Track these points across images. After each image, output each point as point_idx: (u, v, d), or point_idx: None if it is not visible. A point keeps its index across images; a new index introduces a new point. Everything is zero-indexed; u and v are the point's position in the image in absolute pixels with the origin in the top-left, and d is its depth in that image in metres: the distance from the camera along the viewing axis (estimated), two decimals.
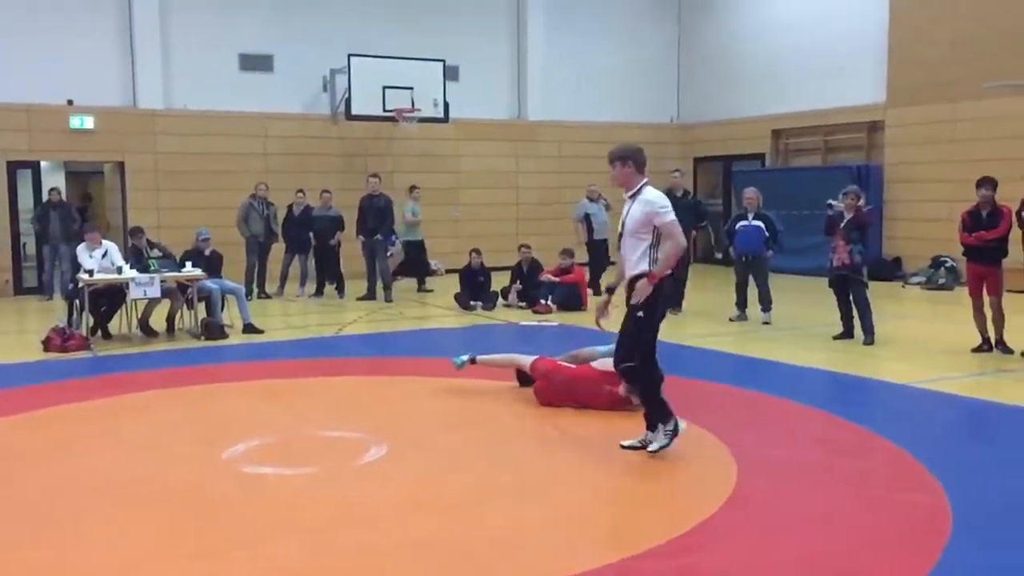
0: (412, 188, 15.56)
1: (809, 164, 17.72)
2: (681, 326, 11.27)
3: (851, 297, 9.66)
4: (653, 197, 5.58)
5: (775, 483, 5.16)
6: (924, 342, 9.75)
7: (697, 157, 19.80)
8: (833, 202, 9.76)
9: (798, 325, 10.96)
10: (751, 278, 11.18)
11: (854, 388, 7.83)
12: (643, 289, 5.50)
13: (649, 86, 20.27)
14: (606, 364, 6.65)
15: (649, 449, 5.63)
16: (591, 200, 14.27)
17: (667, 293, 5.72)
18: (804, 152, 18.15)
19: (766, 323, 10.95)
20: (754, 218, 11.08)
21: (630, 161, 5.73)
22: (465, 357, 7.46)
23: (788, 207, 14.60)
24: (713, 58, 19.81)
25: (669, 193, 12.07)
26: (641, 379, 5.70)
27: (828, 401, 7.25)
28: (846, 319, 9.80)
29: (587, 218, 14.24)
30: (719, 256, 12.99)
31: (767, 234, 10.96)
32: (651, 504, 4.89)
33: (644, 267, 5.52)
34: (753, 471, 5.31)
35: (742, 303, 11.32)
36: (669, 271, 5.57)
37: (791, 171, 17.81)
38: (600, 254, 14.13)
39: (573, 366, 7.09)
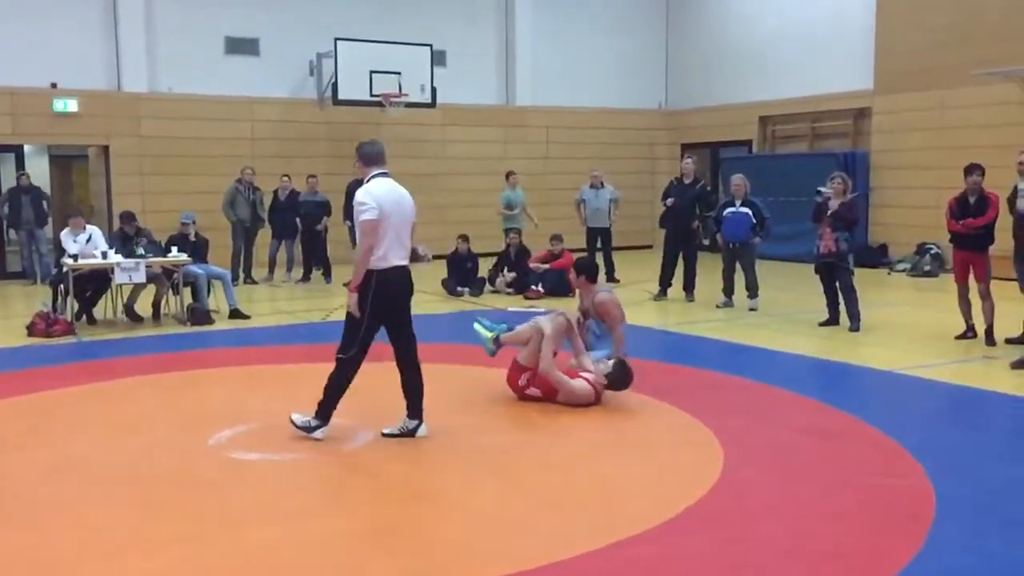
0: (509, 175, 15.06)
1: (796, 151, 17.75)
2: (668, 313, 11.31)
3: (837, 284, 9.69)
4: (359, 194, 5.56)
5: (761, 469, 5.19)
6: (909, 329, 9.80)
7: (684, 143, 19.79)
8: (822, 189, 9.78)
9: (784, 312, 11.00)
10: (738, 265, 11.21)
11: (839, 374, 7.87)
12: (350, 299, 5.58)
13: (637, 72, 20.24)
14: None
15: (296, 420, 5.73)
16: (591, 186, 14.20)
17: (388, 292, 5.59)
18: (791, 139, 18.18)
19: (752, 310, 10.98)
20: (741, 205, 11.10)
21: (357, 154, 5.78)
22: (490, 338, 7.04)
23: (775, 194, 14.62)
24: (701, 44, 19.79)
25: (678, 180, 12.15)
26: (341, 371, 5.69)
27: (814, 388, 7.29)
28: (832, 306, 9.84)
29: (582, 204, 14.20)
30: (706, 243, 13.01)
31: (754, 221, 10.98)
32: (638, 490, 4.91)
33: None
34: (739, 457, 5.33)
35: (729, 290, 11.35)
36: (388, 267, 5.52)
37: (778, 158, 17.83)
38: (593, 241, 14.10)
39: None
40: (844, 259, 9.55)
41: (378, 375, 7.38)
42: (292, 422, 5.76)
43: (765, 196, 11.97)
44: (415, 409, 5.85)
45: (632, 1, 20.19)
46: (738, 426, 6.00)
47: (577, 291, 7.84)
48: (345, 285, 13.34)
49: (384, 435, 5.78)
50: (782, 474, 5.10)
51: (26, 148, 15.63)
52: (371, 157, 5.69)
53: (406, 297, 5.76)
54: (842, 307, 9.74)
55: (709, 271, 12.30)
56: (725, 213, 11.24)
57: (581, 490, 4.91)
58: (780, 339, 9.17)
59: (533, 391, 6.66)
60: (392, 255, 5.55)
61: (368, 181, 5.63)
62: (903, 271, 14.99)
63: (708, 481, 4.91)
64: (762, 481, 4.99)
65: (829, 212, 9.55)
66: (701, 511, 4.53)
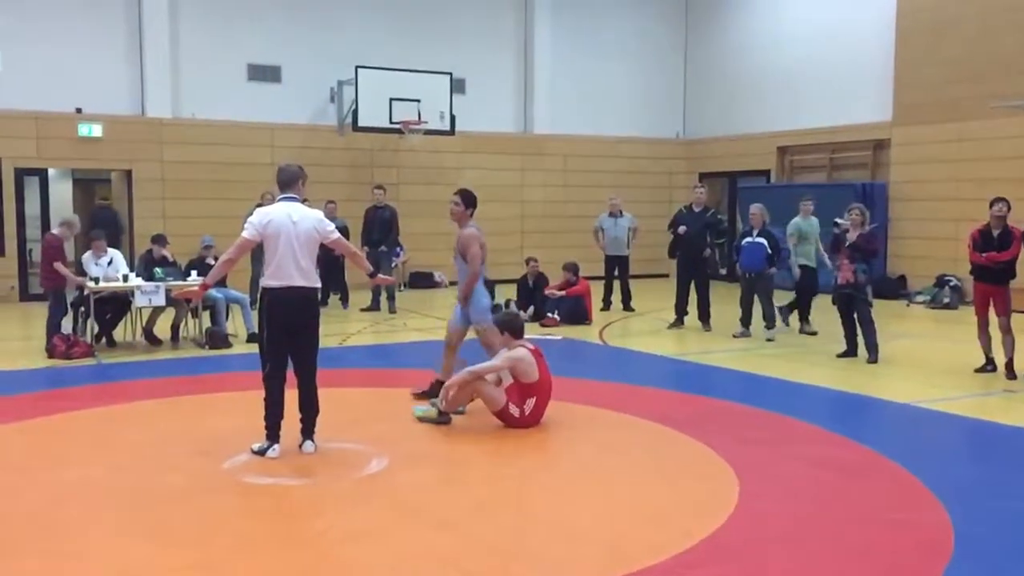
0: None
1: (814, 181, 17.72)
2: (684, 342, 11.28)
3: (855, 315, 9.65)
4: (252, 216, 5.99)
5: (777, 501, 5.15)
6: (928, 361, 9.73)
7: (702, 173, 19.82)
8: (840, 220, 9.76)
9: (802, 342, 10.95)
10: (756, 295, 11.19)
11: (857, 407, 7.81)
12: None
13: (655, 101, 20.34)
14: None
15: (253, 447, 5.95)
16: (609, 214, 14.23)
17: (279, 311, 5.84)
18: (809, 169, 18.17)
19: (770, 340, 10.94)
20: (758, 235, 11.09)
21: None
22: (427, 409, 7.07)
23: None
24: (720, 74, 19.88)
25: (688, 208, 12.17)
26: (264, 388, 5.95)
27: (831, 420, 7.23)
28: (850, 337, 9.79)
29: (601, 231, 14.22)
30: (722, 272, 13.01)
31: (769, 251, 10.97)
32: (652, 520, 4.88)
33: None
34: (755, 489, 5.30)
35: (746, 319, 11.31)
36: (283, 287, 5.81)
37: (796, 188, 17.76)
38: (611, 269, 14.11)
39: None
40: (862, 290, 9.51)
41: (389, 401, 7.40)
42: (251, 450, 5.95)
43: (782, 226, 11.97)
44: (305, 426, 6.06)
45: (651, 31, 20.32)
46: (754, 457, 5.96)
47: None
48: (362, 310, 13.55)
49: (253, 451, 5.93)
50: (798, 507, 5.06)
51: (50, 172, 15.83)
52: (280, 183, 6.08)
53: (301, 317, 5.95)
54: (860, 339, 9.68)
55: (727, 301, 12.28)
56: (743, 243, 11.25)
57: (594, 519, 4.88)
58: (797, 370, 9.12)
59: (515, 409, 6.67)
60: (284, 275, 5.83)
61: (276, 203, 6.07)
62: (922, 303, 14.89)
63: (723, 512, 4.88)
64: (778, 513, 4.95)
65: (847, 243, 9.53)
66: (716, 543, 4.49)
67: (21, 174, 15.06)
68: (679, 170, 20.47)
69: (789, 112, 18.05)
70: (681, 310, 12.10)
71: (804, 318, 11.60)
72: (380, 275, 7.09)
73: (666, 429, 6.70)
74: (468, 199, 7.58)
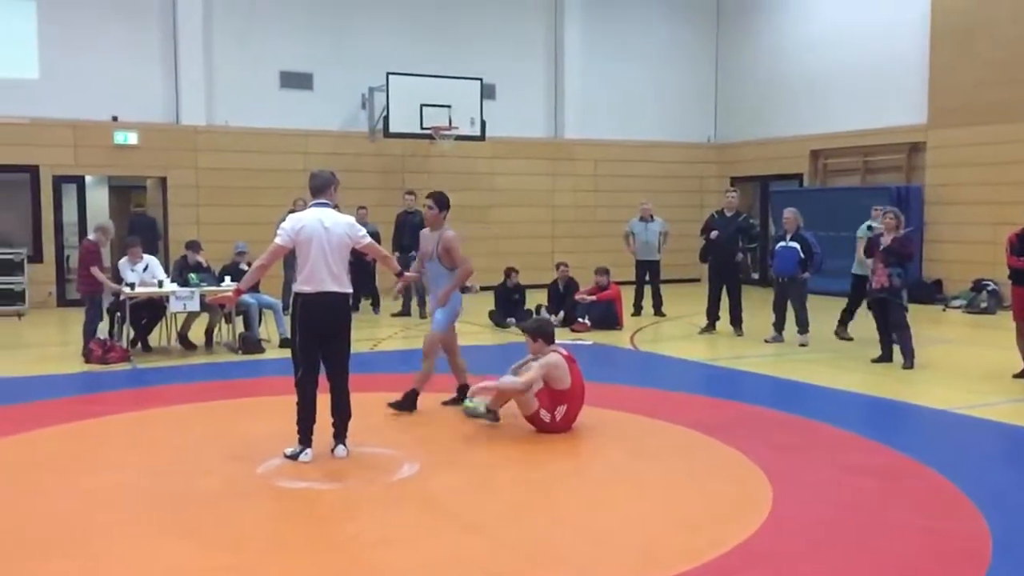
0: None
1: (848, 185, 17.56)
2: (716, 347, 11.22)
3: (890, 320, 9.54)
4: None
5: (811, 508, 5.10)
6: (965, 367, 9.59)
7: (734, 177, 19.69)
8: (873, 224, 9.65)
9: (836, 348, 10.84)
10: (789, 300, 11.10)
11: (892, 412, 7.72)
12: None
13: (686, 105, 20.26)
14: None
15: (286, 451, 5.97)
16: (640, 219, 14.21)
17: (311, 316, 5.92)
18: (843, 173, 18.00)
19: (803, 345, 10.83)
20: (791, 239, 11.00)
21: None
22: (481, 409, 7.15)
23: (826, 228, 14.45)
24: (751, 77, 19.76)
25: (719, 213, 12.12)
26: (297, 393, 6.00)
27: (866, 425, 7.14)
28: (885, 342, 9.67)
29: (631, 236, 14.21)
30: (754, 276, 12.93)
31: (802, 256, 10.87)
32: (685, 526, 4.85)
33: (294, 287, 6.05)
34: (789, 495, 5.25)
35: (779, 324, 11.22)
36: (316, 292, 5.86)
37: (829, 192, 17.65)
38: (642, 274, 14.09)
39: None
40: (897, 295, 9.40)
41: (420, 406, 7.43)
42: (284, 454, 5.98)
43: (815, 231, 11.87)
44: (337, 431, 6.09)
45: (682, 35, 20.26)
46: (787, 463, 5.91)
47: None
48: (393, 315, 13.61)
49: (285, 455, 5.96)
50: (832, 513, 5.01)
51: (87, 179, 16.07)
52: (312, 189, 6.13)
53: (334, 322, 6.00)
54: (896, 344, 9.57)
55: (760, 305, 12.19)
56: (776, 247, 11.17)
57: (625, 524, 4.86)
58: (831, 375, 9.03)
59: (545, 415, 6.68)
60: (316, 281, 5.88)
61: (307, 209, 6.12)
62: (958, 307, 14.68)
63: (757, 519, 4.84)
64: (812, 520, 4.90)
65: (882, 247, 9.43)
66: (749, 549, 4.45)
67: (59, 181, 15.31)
68: (710, 174, 20.37)
69: (822, 115, 17.89)
70: (713, 315, 12.04)
71: (844, 323, 11.45)
72: (407, 273, 7.12)
73: (698, 434, 6.66)
74: (442, 202, 7.37)
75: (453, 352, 7.55)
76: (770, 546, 4.52)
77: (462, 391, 7.40)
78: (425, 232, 7.47)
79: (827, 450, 6.35)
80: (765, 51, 19.46)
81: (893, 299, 9.41)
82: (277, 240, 5.96)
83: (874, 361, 9.67)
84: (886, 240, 9.43)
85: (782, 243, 11.11)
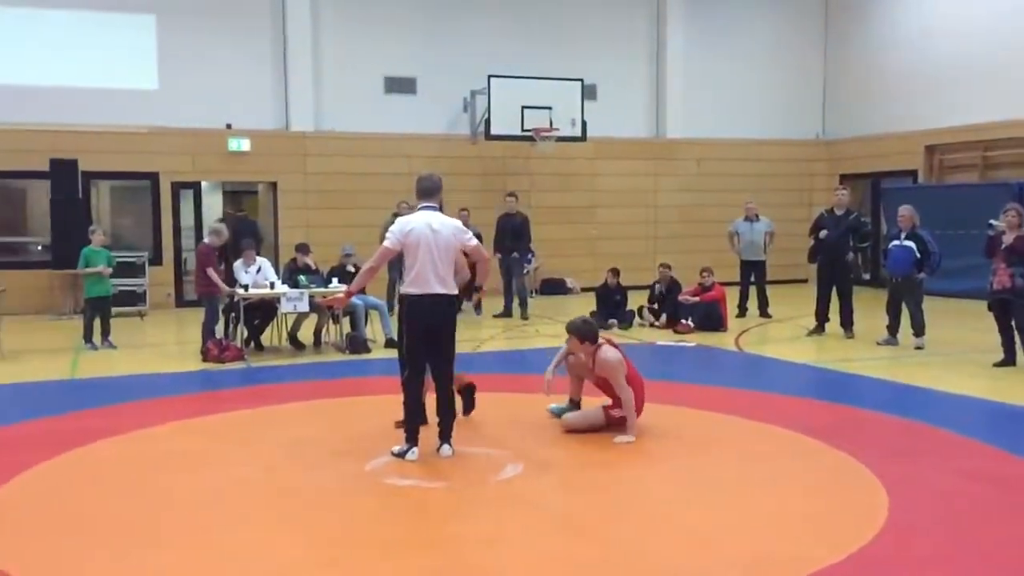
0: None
1: (966, 181, 16.82)
2: (825, 349, 10.91)
3: (1013, 322, 9.10)
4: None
5: (929, 516, 4.91)
6: None
7: (843, 174, 19.09)
8: (994, 222, 9.23)
9: (955, 351, 10.39)
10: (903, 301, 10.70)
11: (1016, 418, 7.34)
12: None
13: (793, 101, 19.76)
14: None
15: (393, 450, 6.05)
16: (745, 219, 13.99)
17: (419, 318, 5.96)
18: (960, 168, 17.24)
19: (919, 348, 10.42)
20: (906, 238, 10.60)
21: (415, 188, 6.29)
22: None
23: (942, 226, 13.83)
24: (861, 71, 19.12)
25: (829, 212, 11.80)
26: (404, 393, 6.08)
27: (987, 431, 6.83)
28: (1007, 345, 9.23)
29: (736, 236, 13.99)
30: (865, 276, 12.53)
31: (918, 255, 10.46)
32: (795, 532, 4.73)
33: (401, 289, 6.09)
34: (905, 503, 5.06)
35: (893, 326, 10.82)
36: (424, 295, 5.91)
37: (946, 188, 16.93)
38: (747, 274, 13.85)
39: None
40: (1021, 296, 8.96)
41: (523, 407, 7.45)
42: (391, 452, 6.06)
43: (931, 229, 11.40)
44: (442, 430, 6.12)
45: (788, 28, 19.77)
46: (903, 470, 5.69)
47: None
48: (495, 316, 13.71)
49: (393, 453, 6.03)
50: (952, 522, 4.81)
51: (203, 184, 16.73)
52: (420, 192, 6.19)
53: (440, 324, 6.04)
54: (1019, 347, 9.12)
55: (874, 306, 11.80)
56: (890, 246, 10.79)
57: (732, 529, 4.77)
58: (949, 379, 8.65)
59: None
60: (423, 283, 5.92)
61: (417, 213, 6.14)
62: None
63: (872, 527, 4.67)
64: (930, 529, 4.72)
65: (1003, 246, 9.01)
66: (865, 557, 4.31)
67: (177, 187, 15.98)
68: (819, 172, 19.81)
69: (938, 109, 17.16)
70: (822, 316, 11.71)
71: None
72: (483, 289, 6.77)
73: (807, 439, 6.48)
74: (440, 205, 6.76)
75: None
76: (887, 555, 4.36)
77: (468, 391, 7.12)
78: None
79: (945, 456, 6.10)
80: (876, 42, 18.81)
81: (1017, 300, 8.98)
82: (386, 243, 6.04)
83: (996, 365, 9.23)
84: (1008, 239, 9.00)
85: (896, 242, 10.72)
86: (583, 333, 6.73)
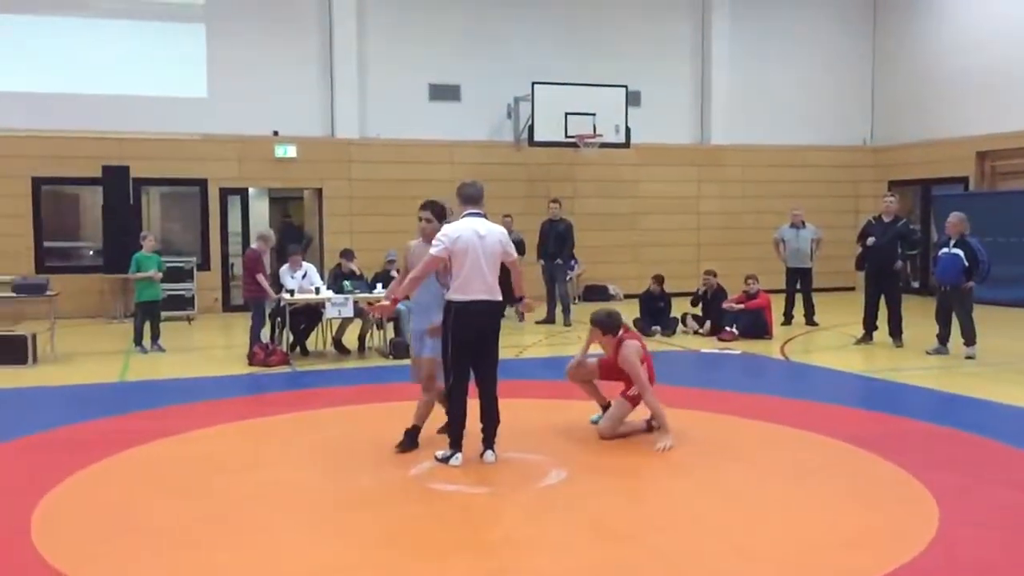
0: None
1: (1019, 188, 16.46)
2: (873, 358, 10.74)
3: None
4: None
5: (981, 529, 4.81)
6: None
7: (892, 181, 18.78)
8: None
9: (1008, 361, 10.17)
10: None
11: None
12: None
13: (840, 107, 19.51)
14: None
15: (437, 455, 6.10)
16: (791, 226, 13.86)
17: (467, 324, 5.96)
18: (1013, 175, 16.88)
19: (970, 358, 10.22)
20: (954, 246, 10.42)
21: (458, 194, 6.31)
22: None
23: (995, 234, 13.60)
24: (912, 75, 18.82)
25: (877, 219, 11.64)
26: (448, 398, 6.11)
27: None
28: None
29: (782, 243, 13.86)
30: (914, 284, 12.34)
31: (966, 264, 10.26)
32: (842, 544, 4.65)
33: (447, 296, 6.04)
34: (956, 515, 4.96)
35: (943, 335, 10.62)
36: (472, 301, 5.92)
37: (999, 196, 16.61)
38: (792, 282, 13.70)
39: None
40: None
41: (566, 413, 7.44)
42: (435, 457, 6.11)
43: (982, 237, 11.18)
44: (486, 436, 6.15)
45: (835, 33, 19.53)
46: (954, 481, 5.58)
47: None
48: (537, 322, 13.71)
49: (437, 459, 6.08)
50: (1004, 535, 4.70)
51: (250, 190, 16.96)
52: (465, 198, 6.22)
53: (485, 330, 6.08)
54: None
55: (923, 315, 11.60)
56: (940, 253, 10.61)
57: (777, 540, 4.71)
58: (1002, 390, 8.46)
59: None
60: (470, 289, 5.92)
61: (461, 219, 6.14)
62: None
63: (922, 539, 4.59)
64: (983, 542, 4.62)
65: None
66: (915, 570, 4.23)
67: (225, 193, 16.22)
68: (867, 178, 19.53)
69: (991, 114, 16.83)
70: (870, 325, 11.53)
71: None
72: (526, 301, 6.61)
73: (854, 448, 6.39)
74: (440, 213, 6.44)
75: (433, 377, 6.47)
76: (937, 568, 4.28)
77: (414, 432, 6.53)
78: (417, 245, 6.49)
79: (998, 469, 5.97)
80: (927, 46, 18.50)
81: None
82: (434, 251, 5.98)
83: None
84: None
85: (945, 249, 10.54)
86: (605, 325, 6.86)
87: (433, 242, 6.03)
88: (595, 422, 7.01)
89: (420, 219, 6.45)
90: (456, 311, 5.99)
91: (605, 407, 7.01)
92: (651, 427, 6.80)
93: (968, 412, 7.74)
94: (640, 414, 6.84)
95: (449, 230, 6.05)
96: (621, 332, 6.88)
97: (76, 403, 8.38)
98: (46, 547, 4.59)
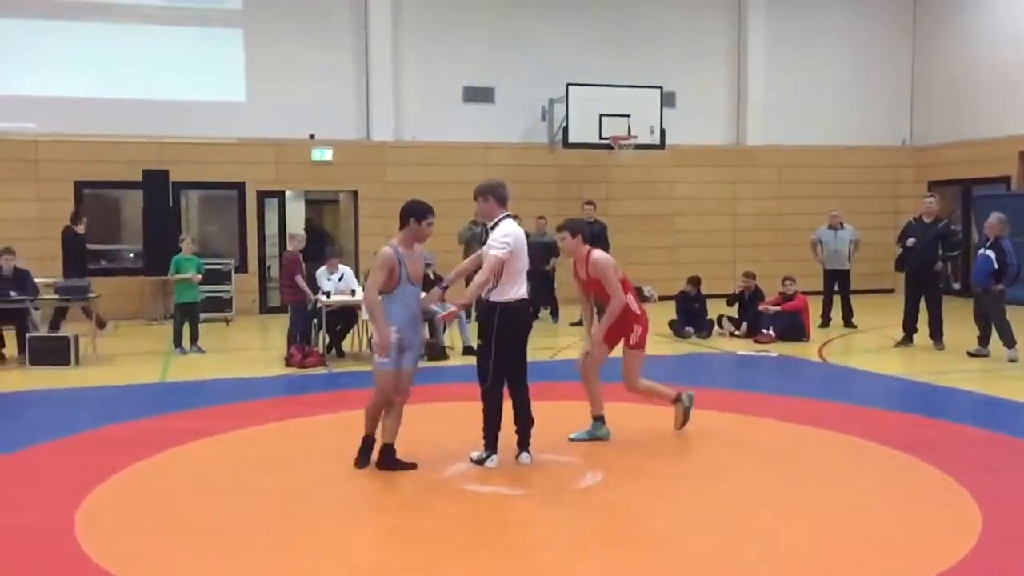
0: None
1: None
2: (913, 361, 10.61)
3: None
4: (498, 232, 5.98)
5: None
6: None
7: (932, 181, 18.53)
8: None
9: None
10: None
11: None
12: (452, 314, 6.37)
13: (879, 106, 19.27)
14: None
15: (472, 456, 6.12)
16: (829, 227, 13.75)
17: (513, 323, 5.98)
18: None
19: (1012, 360, 10.06)
20: (988, 247, 10.27)
21: (491, 196, 6.15)
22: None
23: None
24: (951, 74, 18.54)
25: (917, 219, 11.49)
26: (484, 400, 6.05)
27: None
28: None
29: (819, 245, 13.75)
30: (955, 286, 12.18)
31: (995, 266, 10.10)
32: (883, 549, 4.60)
33: (490, 297, 5.96)
34: (999, 521, 4.89)
35: (983, 337, 10.47)
36: (519, 300, 5.96)
37: None
38: (830, 283, 13.58)
39: None
40: None
41: (604, 413, 7.40)
42: (470, 458, 6.12)
43: None
44: (521, 438, 6.16)
45: (874, 32, 19.29)
46: (997, 486, 5.50)
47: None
48: (572, 324, 13.69)
49: (472, 460, 6.10)
50: None
51: (287, 193, 17.12)
52: (504, 199, 6.18)
53: (527, 329, 6.15)
54: None
55: (965, 317, 11.42)
56: (978, 254, 10.48)
57: (816, 544, 4.67)
58: None
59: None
60: (519, 289, 6.01)
61: (501, 221, 6.10)
62: None
63: (965, 544, 4.53)
64: None
65: None
66: (958, 574, 4.19)
67: (262, 196, 16.39)
68: (906, 179, 19.28)
69: None
70: (910, 327, 11.38)
71: None
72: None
73: (894, 452, 6.31)
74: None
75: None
76: (980, 571, 4.22)
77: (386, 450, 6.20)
78: (413, 250, 6.38)
79: None
80: (968, 44, 18.20)
81: None
82: (500, 254, 5.88)
83: None
84: None
85: (981, 250, 10.42)
86: (574, 227, 6.78)
87: (497, 244, 5.90)
88: (573, 439, 6.75)
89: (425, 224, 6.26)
90: (506, 311, 5.95)
91: (596, 419, 6.88)
92: (679, 398, 6.90)
93: (1010, 415, 7.62)
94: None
95: (505, 232, 5.97)
96: (582, 240, 6.72)
97: (118, 403, 8.51)
98: (90, 545, 4.67)
